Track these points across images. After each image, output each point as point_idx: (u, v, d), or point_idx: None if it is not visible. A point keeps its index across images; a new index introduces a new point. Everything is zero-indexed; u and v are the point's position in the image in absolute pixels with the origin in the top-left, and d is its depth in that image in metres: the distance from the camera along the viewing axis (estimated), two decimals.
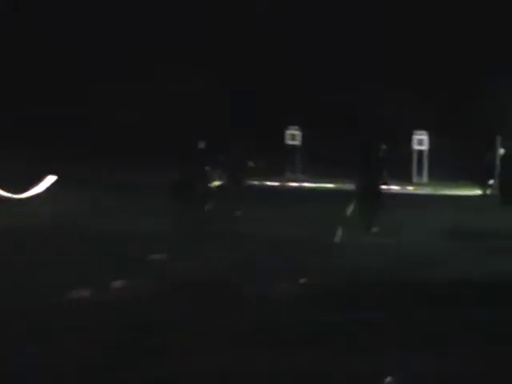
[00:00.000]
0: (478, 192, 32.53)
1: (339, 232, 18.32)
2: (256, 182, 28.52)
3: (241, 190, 23.10)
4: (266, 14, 37.92)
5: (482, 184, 32.21)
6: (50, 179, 25.47)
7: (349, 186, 24.22)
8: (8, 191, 23.06)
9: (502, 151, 31.05)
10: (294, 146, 38.76)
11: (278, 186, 33.69)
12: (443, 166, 35.22)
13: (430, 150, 37.77)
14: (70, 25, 37.67)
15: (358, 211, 19.03)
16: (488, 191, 31.93)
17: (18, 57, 36.91)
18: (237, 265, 13.58)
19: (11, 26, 37.01)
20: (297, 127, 39.11)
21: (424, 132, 38.37)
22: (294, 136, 38.85)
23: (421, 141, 38.15)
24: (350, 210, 22.08)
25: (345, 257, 15.03)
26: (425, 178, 38.09)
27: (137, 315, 10.02)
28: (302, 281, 12.36)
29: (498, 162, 31.93)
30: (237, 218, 20.15)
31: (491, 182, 31.64)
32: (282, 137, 38.62)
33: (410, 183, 36.17)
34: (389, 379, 7.43)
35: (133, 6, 37.82)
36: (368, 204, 18.56)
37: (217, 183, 20.78)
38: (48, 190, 24.41)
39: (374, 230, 18.32)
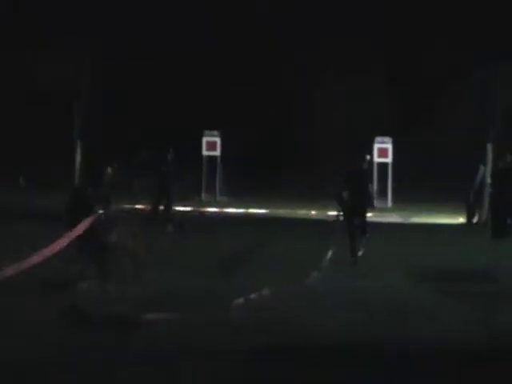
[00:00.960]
0: (461, 220, 26.17)
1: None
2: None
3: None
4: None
5: (470, 210, 25.50)
6: None
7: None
8: None
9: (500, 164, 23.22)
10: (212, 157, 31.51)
11: (189, 212, 26.61)
12: (411, 184, 30.11)
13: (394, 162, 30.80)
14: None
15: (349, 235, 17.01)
16: (475, 219, 25.44)
17: None
18: None
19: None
20: (216, 132, 30.42)
21: (387, 139, 30.03)
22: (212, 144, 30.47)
23: (384, 151, 29.85)
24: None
25: None
26: (389, 201, 29.79)
27: None
28: None
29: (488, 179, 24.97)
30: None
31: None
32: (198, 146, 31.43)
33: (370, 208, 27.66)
34: None
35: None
36: (353, 228, 17.18)
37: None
38: None
39: (360, 253, 16.55)
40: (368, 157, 19.69)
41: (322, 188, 30.36)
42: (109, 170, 22.16)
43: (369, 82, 32.91)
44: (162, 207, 21.37)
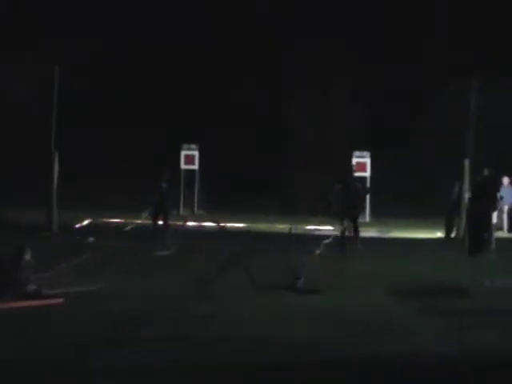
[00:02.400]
0: (439, 235, 25.48)
1: None
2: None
3: None
4: None
5: (448, 224, 24.81)
6: None
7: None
8: None
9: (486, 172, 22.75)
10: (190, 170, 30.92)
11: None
12: (387, 199, 29.40)
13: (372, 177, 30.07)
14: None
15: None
16: (453, 234, 24.68)
17: None
18: None
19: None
20: (194, 146, 30.43)
21: (366, 153, 29.85)
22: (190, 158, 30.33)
23: (362, 165, 29.43)
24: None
25: None
26: (367, 216, 29.40)
27: None
28: None
29: (466, 193, 24.30)
30: None
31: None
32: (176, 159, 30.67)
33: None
34: None
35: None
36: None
37: None
38: None
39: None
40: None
41: (298, 203, 30.23)
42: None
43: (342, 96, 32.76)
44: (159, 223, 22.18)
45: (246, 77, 35.00)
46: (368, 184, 29.48)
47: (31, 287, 11.23)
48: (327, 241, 20.66)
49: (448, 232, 24.84)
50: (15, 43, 34.51)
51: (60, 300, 10.53)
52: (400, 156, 30.92)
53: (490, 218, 20.45)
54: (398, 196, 30.07)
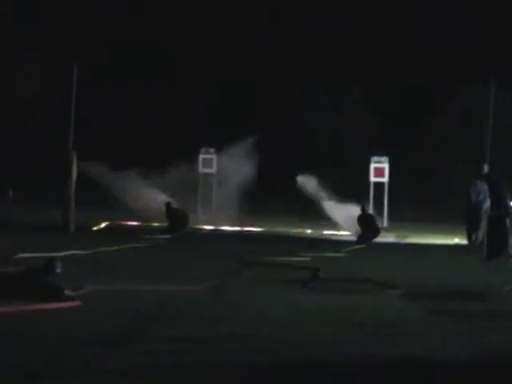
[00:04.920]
0: (457, 241, 25.68)
1: None
2: None
3: None
4: None
5: (471, 229, 24.25)
6: None
7: None
8: None
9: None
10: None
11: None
12: (404, 204, 29.87)
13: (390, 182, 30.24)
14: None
15: None
16: (473, 238, 24.21)
17: None
18: None
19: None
20: (212, 150, 30.55)
21: (384, 158, 29.75)
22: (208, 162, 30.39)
23: (380, 170, 29.38)
24: None
25: None
26: (385, 221, 29.34)
27: None
28: None
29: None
30: None
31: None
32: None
33: None
34: None
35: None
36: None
37: None
38: None
39: None
40: None
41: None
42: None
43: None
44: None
45: (261, 82, 35.04)
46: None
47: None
48: (339, 254, 20.54)
49: (469, 237, 24.35)
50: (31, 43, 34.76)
51: (78, 303, 10.47)
52: (415, 159, 30.81)
53: (505, 221, 20.00)
54: (414, 199, 29.90)
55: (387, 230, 28.23)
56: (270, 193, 31.61)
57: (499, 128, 26.86)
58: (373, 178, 29.93)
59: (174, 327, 9.40)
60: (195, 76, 36.11)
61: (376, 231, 24.92)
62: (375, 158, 29.74)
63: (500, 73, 27.23)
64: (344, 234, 27.04)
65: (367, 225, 24.79)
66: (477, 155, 26.22)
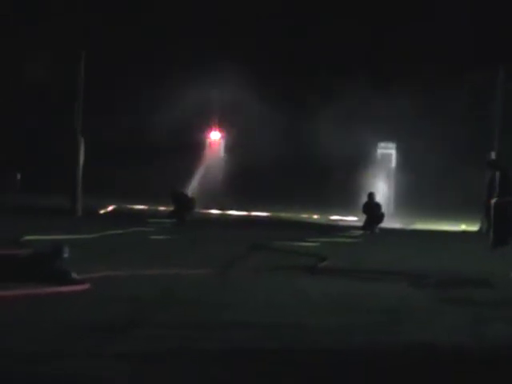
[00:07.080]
0: (463, 227, 26.10)
1: None
2: None
3: None
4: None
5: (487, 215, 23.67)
6: None
7: None
8: None
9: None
10: None
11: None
12: (411, 190, 29.18)
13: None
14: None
15: None
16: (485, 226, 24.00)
17: None
18: None
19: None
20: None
21: (391, 144, 29.74)
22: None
23: (387, 156, 29.45)
24: None
25: None
26: (392, 207, 29.39)
27: None
28: None
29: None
30: None
31: None
32: None
33: None
34: None
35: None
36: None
37: None
38: None
39: None
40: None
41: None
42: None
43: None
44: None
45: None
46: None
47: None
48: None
49: (482, 224, 24.08)
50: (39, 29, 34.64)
51: (87, 285, 10.49)
52: (422, 145, 30.71)
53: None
54: (422, 188, 29.88)
55: (394, 215, 28.27)
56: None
57: (507, 116, 26.77)
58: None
59: (180, 313, 9.41)
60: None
61: (381, 217, 24.99)
62: (382, 144, 29.72)
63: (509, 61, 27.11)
64: (350, 219, 27.08)
65: (373, 211, 24.83)
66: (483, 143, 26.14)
